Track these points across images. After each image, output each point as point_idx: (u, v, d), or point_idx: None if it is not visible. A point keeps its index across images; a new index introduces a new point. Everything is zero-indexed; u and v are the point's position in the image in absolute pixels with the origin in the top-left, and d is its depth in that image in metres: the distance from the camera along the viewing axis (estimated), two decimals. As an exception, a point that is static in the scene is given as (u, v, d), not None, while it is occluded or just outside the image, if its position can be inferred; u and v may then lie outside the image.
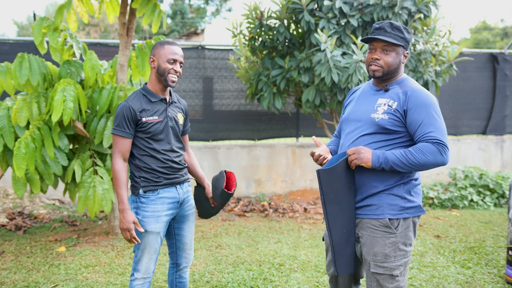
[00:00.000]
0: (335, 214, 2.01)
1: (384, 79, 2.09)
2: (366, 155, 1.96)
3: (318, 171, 1.97)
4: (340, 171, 1.99)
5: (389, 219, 2.00)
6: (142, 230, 2.29)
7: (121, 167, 2.28)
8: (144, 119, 2.29)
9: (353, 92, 2.31)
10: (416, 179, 2.08)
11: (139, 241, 2.28)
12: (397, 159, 1.93)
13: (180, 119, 2.47)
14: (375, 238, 2.01)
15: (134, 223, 2.25)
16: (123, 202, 2.24)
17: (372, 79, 2.17)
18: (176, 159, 2.40)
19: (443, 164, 1.93)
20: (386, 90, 2.07)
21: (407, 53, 2.10)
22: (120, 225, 2.25)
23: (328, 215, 2.02)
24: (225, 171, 2.49)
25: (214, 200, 2.55)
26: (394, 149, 2.00)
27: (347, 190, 2.02)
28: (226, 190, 2.46)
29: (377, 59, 2.04)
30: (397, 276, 2.00)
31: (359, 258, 2.14)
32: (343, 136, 2.18)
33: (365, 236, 2.04)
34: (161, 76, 2.32)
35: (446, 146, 1.93)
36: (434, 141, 1.92)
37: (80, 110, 3.98)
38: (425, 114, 1.96)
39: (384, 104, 2.03)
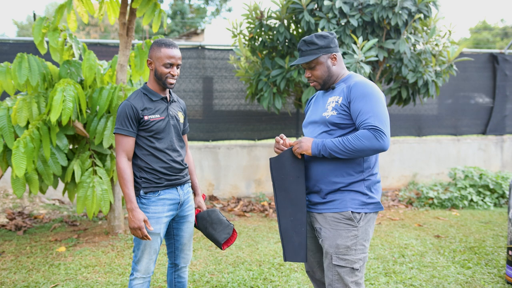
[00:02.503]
0: (283, 202, 2.17)
1: (327, 87, 2.24)
2: (306, 143, 2.10)
3: (270, 159, 2.17)
4: (286, 160, 2.15)
5: (352, 212, 2.09)
6: (151, 228, 2.29)
7: (126, 166, 2.27)
8: (146, 117, 2.30)
9: (311, 99, 2.46)
10: (375, 175, 2.18)
11: (150, 238, 2.28)
12: (334, 145, 2.04)
13: (181, 117, 2.48)
14: (337, 231, 2.10)
15: (144, 221, 2.25)
16: (131, 201, 2.24)
17: None
18: (178, 159, 2.40)
19: (381, 149, 2.00)
20: (333, 89, 2.23)
21: (334, 55, 2.20)
22: (131, 224, 2.24)
23: (277, 203, 2.17)
24: (234, 228, 2.53)
25: (197, 220, 2.57)
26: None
27: (293, 179, 2.15)
28: (222, 244, 2.49)
29: (309, 77, 2.23)
30: (357, 270, 2.10)
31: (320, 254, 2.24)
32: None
33: (328, 229, 2.12)
34: (159, 79, 2.33)
35: (382, 132, 1.99)
36: (370, 127, 2.00)
37: (80, 110, 3.99)
38: (364, 103, 2.05)
39: (333, 102, 2.16)
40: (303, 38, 2.21)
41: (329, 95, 2.21)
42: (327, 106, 2.17)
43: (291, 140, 2.25)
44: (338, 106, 2.11)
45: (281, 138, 2.21)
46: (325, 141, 2.07)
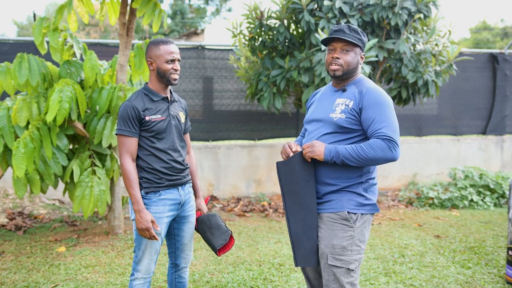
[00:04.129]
0: (293, 206, 2.13)
1: (343, 79, 2.18)
2: (319, 148, 2.07)
3: (277, 163, 2.13)
4: (296, 164, 2.12)
5: (348, 212, 2.08)
6: (159, 229, 2.30)
7: (131, 168, 2.28)
8: (147, 118, 2.30)
9: (314, 95, 2.41)
10: (373, 179, 2.17)
11: (158, 239, 2.29)
12: (348, 153, 2.02)
13: (182, 117, 2.48)
14: (333, 231, 2.10)
15: (152, 222, 2.26)
16: (138, 202, 2.25)
17: (332, 81, 2.28)
18: (179, 159, 2.40)
19: (393, 159, 2.02)
20: (344, 90, 2.17)
21: (363, 55, 2.21)
22: (138, 225, 2.25)
23: (287, 207, 2.14)
24: (231, 234, 2.50)
25: (197, 223, 2.57)
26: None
27: (303, 182, 2.11)
28: (217, 249, 2.48)
29: (337, 58, 2.13)
30: (353, 270, 2.09)
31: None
32: (306, 136, 2.28)
33: (324, 229, 2.12)
34: (162, 77, 2.33)
35: (396, 143, 2.01)
36: (385, 137, 2.00)
37: (79, 110, 3.99)
38: (378, 112, 2.04)
39: (342, 104, 2.13)
40: (347, 24, 2.17)
41: (338, 96, 2.17)
42: (335, 107, 2.13)
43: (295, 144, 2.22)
44: (348, 110, 2.09)
45: (290, 148, 2.17)
46: (338, 147, 2.04)
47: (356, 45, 2.13)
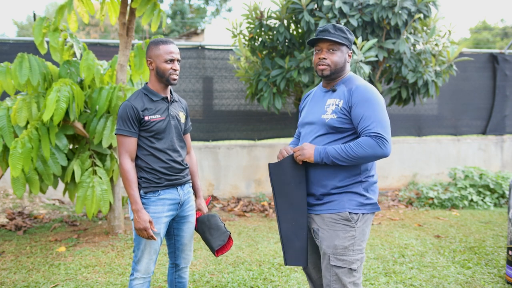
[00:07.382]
0: (283, 207, 2.15)
1: (332, 78, 2.19)
2: (308, 150, 2.08)
3: (268, 165, 2.15)
4: (287, 166, 2.13)
5: (349, 212, 2.09)
6: (156, 229, 2.30)
7: (130, 167, 2.28)
8: (146, 118, 2.30)
9: (306, 97, 2.41)
10: (372, 176, 2.17)
11: (156, 239, 2.30)
12: (337, 153, 2.03)
13: (182, 117, 2.48)
14: (335, 232, 2.10)
15: (149, 222, 2.26)
16: (136, 202, 2.25)
17: (322, 81, 2.29)
18: (178, 159, 2.40)
19: (383, 156, 2.01)
20: (334, 91, 2.18)
21: (351, 53, 2.22)
22: (136, 225, 2.25)
23: (278, 207, 2.16)
24: (230, 235, 2.50)
25: (197, 223, 2.57)
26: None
27: (295, 185, 2.14)
28: (215, 250, 2.48)
29: (324, 58, 2.14)
30: (355, 270, 2.10)
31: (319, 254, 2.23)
32: (301, 139, 2.30)
33: (326, 230, 2.12)
34: (161, 77, 2.33)
35: (385, 139, 2.00)
36: (373, 134, 2.00)
37: (79, 110, 3.99)
38: (366, 109, 2.04)
39: (332, 104, 2.13)
40: (332, 23, 2.16)
41: (328, 97, 2.18)
42: (326, 108, 2.14)
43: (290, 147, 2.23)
44: (339, 110, 2.09)
45: (287, 152, 2.18)
46: (328, 148, 2.05)
47: (342, 44, 2.14)
